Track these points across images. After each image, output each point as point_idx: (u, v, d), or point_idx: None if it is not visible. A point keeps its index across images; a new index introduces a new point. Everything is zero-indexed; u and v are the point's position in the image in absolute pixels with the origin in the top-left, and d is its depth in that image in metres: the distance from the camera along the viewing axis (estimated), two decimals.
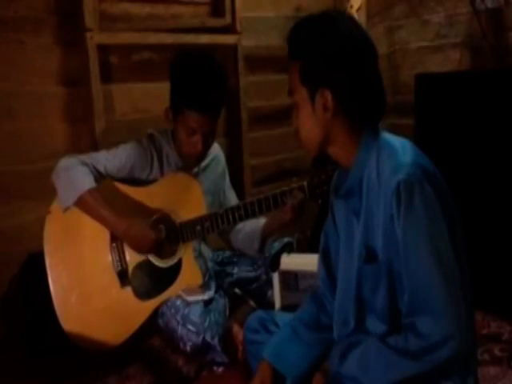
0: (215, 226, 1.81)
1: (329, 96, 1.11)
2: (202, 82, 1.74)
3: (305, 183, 1.71)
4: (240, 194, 2.28)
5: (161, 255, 1.85)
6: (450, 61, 2.60)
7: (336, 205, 1.32)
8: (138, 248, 1.81)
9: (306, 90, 1.14)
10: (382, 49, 2.89)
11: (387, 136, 1.17)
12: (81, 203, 1.75)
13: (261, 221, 1.95)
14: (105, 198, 1.77)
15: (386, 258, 1.11)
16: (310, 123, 1.16)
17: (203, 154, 1.88)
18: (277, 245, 1.93)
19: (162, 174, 1.89)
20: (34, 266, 1.89)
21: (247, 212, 1.77)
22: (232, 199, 2.12)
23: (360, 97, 1.13)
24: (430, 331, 1.03)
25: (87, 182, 1.74)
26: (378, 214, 1.10)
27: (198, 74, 1.75)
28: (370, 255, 1.14)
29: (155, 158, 1.88)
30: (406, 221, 1.04)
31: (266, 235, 1.94)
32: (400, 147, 1.12)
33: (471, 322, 1.15)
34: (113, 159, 1.83)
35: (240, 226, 2.01)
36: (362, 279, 1.18)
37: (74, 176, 1.74)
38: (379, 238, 1.11)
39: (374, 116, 1.17)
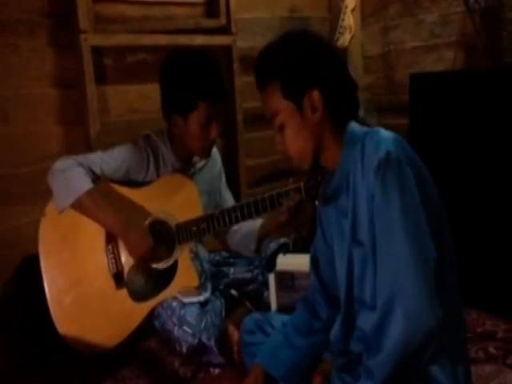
0: (211, 227, 1.81)
1: (316, 95, 1.14)
2: (207, 72, 1.76)
3: (301, 184, 1.72)
4: (235, 195, 2.28)
5: (157, 257, 1.84)
6: (445, 60, 2.61)
7: (325, 213, 1.33)
8: (133, 253, 1.80)
9: (290, 103, 1.16)
10: (376, 49, 2.89)
11: (372, 129, 1.18)
12: (78, 205, 1.74)
13: (257, 222, 1.95)
14: (102, 198, 1.76)
15: (370, 241, 1.09)
16: (300, 135, 1.18)
17: (214, 142, 1.88)
18: (273, 245, 1.93)
19: (158, 174, 1.89)
20: (29, 269, 1.88)
21: (243, 213, 1.77)
22: (228, 199, 2.13)
23: (341, 93, 1.17)
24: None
25: (85, 183, 1.73)
26: (362, 201, 1.10)
27: (200, 66, 1.77)
28: (360, 243, 1.14)
29: (151, 158, 1.88)
30: (381, 196, 1.04)
31: (262, 236, 1.94)
32: (383, 132, 1.13)
33: (457, 308, 1.15)
34: (109, 160, 1.82)
35: (236, 227, 2.01)
36: (352, 274, 1.18)
37: (70, 177, 1.73)
38: (365, 225, 1.10)
39: (352, 113, 1.20)
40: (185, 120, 1.80)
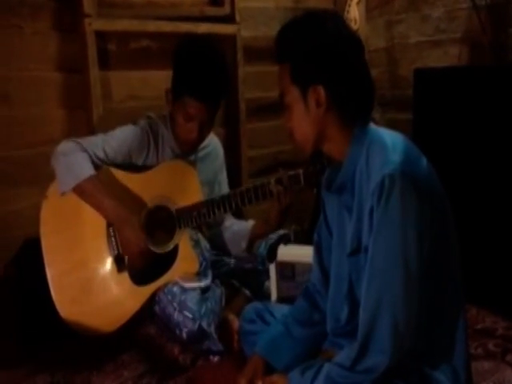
0: (212, 212, 1.80)
1: (321, 91, 1.13)
2: (204, 71, 1.75)
3: (300, 171, 1.71)
4: (237, 185, 2.27)
5: (157, 241, 1.84)
6: (449, 56, 2.60)
7: (328, 200, 1.33)
8: (125, 250, 1.80)
9: (297, 90, 1.16)
10: (381, 43, 2.88)
11: (378, 130, 1.18)
12: (79, 190, 1.74)
13: (249, 222, 1.98)
14: (103, 185, 1.76)
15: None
16: (303, 122, 1.17)
17: (197, 143, 1.89)
18: (273, 236, 1.93)
19: (157, 157, 1.90)
20: (31, 252, 1.87)
21: (243, 199, 1.76)
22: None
23: (350, 90, 1.15)
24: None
25: (86, 169, 1.74)
26: (366, 207, 1.10)
27: (201, 63, 1.75)
28: (359, 249, 1.15)
29: (151, 139, 1.88)
30: (381, 216, 1.04)
31: (253, 237, 1.94)
32: (390, 144, 1.11)
33: (459, 309, 1.16)
34: (111, 140, 1.83)
35: (228, 223, 2.03)
36: (352, 273, 1.19)
37: (73, 162, 1.74)
38: (366, 231, 1.11)
39: (364, 110, 1.18)
40: (173, 102, 1.82)
